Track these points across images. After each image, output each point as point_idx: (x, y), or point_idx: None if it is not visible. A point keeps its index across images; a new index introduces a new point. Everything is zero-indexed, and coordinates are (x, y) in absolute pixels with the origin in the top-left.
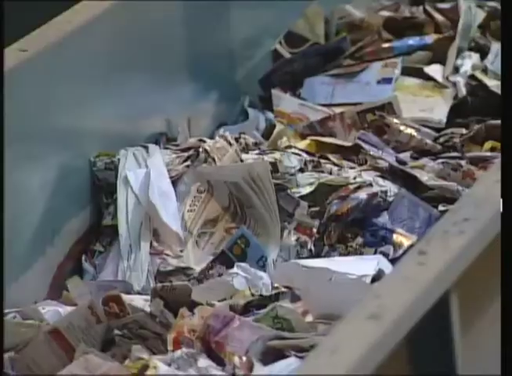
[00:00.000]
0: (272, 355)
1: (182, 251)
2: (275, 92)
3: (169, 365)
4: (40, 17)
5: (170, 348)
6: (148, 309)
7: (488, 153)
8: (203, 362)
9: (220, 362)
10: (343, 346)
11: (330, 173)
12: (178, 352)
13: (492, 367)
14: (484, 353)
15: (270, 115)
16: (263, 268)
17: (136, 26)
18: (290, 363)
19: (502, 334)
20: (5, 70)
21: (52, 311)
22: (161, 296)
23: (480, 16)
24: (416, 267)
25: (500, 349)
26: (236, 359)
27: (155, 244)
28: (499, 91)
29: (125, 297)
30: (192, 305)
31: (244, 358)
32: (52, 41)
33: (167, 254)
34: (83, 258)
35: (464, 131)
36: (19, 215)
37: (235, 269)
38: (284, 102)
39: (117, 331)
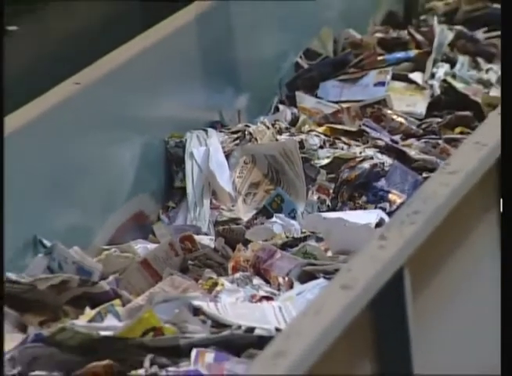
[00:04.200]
0: (306, 277)
1: (233, 206)
2: (299, 94)
3: (231, 283)
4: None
5: (230, 272)
6: (213, 246)
7: (459, 136)
8: (256, 281)
9: (267, 283)
10: (324, 308)
11: (342, 149)
12: (237, 275)
13: (438, 326)
14: (430, 315)
15: (295, 110)
16: (294, 218)
17: (200, 46)
18: (320, 282)
19: (503, 333)
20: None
21: (142, 247)
22: (223, 235)
23: (449, 36)
24: (379, 249)
25: (500, 349)
26: (281, 279)
27: (214, 201)
28: (464, 91)
29: (196, 237)
30: (245, 243)
31: (286, 278)
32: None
33: (223, 209)
34: (160, 211)
35: (439, 120)
36: (112, 183)
37: (274, 219)
38: (305, 100)
39: (190, 262)
